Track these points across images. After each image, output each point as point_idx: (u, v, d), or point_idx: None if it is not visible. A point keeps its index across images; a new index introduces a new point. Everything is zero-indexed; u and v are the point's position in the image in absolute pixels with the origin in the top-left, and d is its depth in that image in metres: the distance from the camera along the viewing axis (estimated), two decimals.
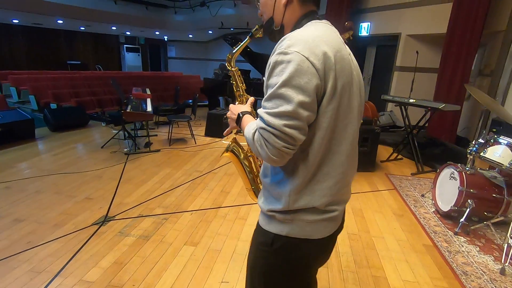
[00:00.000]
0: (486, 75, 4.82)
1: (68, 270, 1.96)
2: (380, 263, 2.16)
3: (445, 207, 2.78)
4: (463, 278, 2.01)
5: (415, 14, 5.60)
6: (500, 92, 4.36)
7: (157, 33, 12.75)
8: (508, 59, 4.29)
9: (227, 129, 1.05)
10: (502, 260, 2.17)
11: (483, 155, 2.54)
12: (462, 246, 2.39)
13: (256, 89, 6.37)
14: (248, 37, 1.10)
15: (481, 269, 2.12)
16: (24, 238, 2.27)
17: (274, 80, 0.74)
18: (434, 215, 2.89)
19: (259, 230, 0.95)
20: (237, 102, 1.16)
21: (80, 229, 2.42)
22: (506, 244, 2.22)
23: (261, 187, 1.18)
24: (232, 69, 1.16)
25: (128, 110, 4.32)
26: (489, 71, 4.73)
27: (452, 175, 2.78)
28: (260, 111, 0.77)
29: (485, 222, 2.54)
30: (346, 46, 0.86)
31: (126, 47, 13.86)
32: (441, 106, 3.57)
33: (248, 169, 1.16)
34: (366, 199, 3.18)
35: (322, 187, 0.83)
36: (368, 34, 6.50)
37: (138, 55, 14.26)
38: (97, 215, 2.64)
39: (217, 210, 2.83)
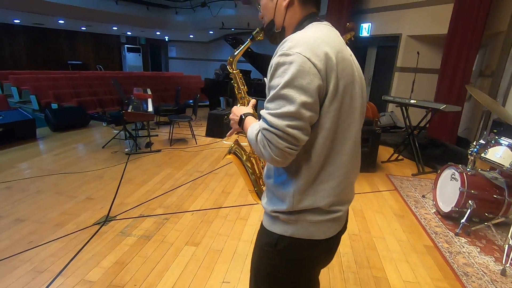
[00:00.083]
0: (487, 76, 4.82)
1: (69, 270, 1.96)
2: (381, 263, 2.17)
3: (446, 208, 2.78)
4: (464, 279, 2.01)
5: (416, 14, 5.60)
6: (501, 93, 4.36)
7: (158, 33, 12.77)
8: (509, 60, 4.29)
9: (229, 131, 1.05)
10: (503, 261, 2.17)
11: (484, 156, 2.54)
12: (463, 247, 2.39)
13: (257, 90, 6.38)
14: (249, 39, 1.10)
15: (482, 270, 2.12)
16: (25, 238, 2.27)
17: (277, 81, 0.74)
18: (435, 215, 2.89)
19: (263, 231, 0.94)
20: (239, 104, 1.16)
21: (81, 229, 2.42)
22: (507, 245, 2.22)
23: (263, 188, 1.19)
24: (234, 71, 1.17)
25: (129, 110, 4.33)
26: (490, 72, 4.73)
27: (453, 176, 2.78)
28: (262, 112, 0.77)
29: (486, 223, 2.54)
30: (347, 47, 0.87)
31: (127, 47, 13.87)
32: (442, 107, 3.57)
33: (250, 170, 1.16)
34: (366, 200, 3.19)
35: (326, 187, 0.84)
36: (368, 34, 6.50)
37: (139, 55, 14.28)
38: (98, 215, 2.65)
39: (218, 211, 2.83)
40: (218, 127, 5.48)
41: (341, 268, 2.09)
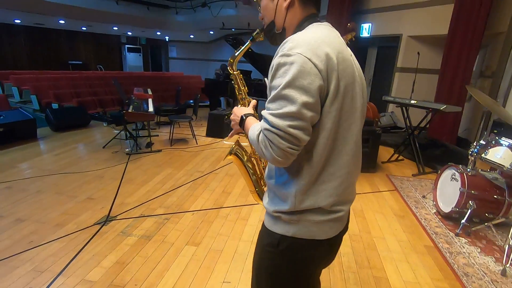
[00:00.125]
0: (487, 77, 4.83)
1: (70, 269, 1.96)
2: (381, 263, 2.17)
3: (446, 208, 2.78)
4: (464, 279, 2.01)
5: (416, 15, 5.60)
6: (501, 93, 4.36)
7: (158, 33, 12.78)
8: (509, 60, 4.29)
9: (231, 133, 1.06)
10: (503, 262, 2.17)
11: (485, 157, 2.54)
12: (463, 247, 2.39)
13: (257, 90, 6.39)
14: (249, 40, 1.10)
15: (482, 271, 2.12)
16: (26, 238, 2.28)
17: (278, 81, 0.75)
18: (435, 216, 2.89)
19: (264, 231, 0.94)
20: (239, 105, 1.16)
21: (82, 229, 2.43)
22: (507, 246, 2.22)
23: (264, 189, 1.19)
24: (234, 72, 1.17)
25: (129, 110, 4.33)
26: (490, 72, 4.73)
27: (453, 176, 2.78)
28: (264, 112, 0.78)
29: (486, 224, 2.54)
30: (347, 47, 0.87)
31: (127, 47, 13.89)
32: (442, 107, 3.57)
33: (251, 171, 1.17)
34: (367, 200, 3.19)
35: (327, 187, 0.84)
36: (369, 35, 6.50)
37: (139, 55, 14.29)
38: (98, 215, 2.65)
39: (219, 211, 2.83)
40: (218, 127, 5.49)
41: (341, 268, 2.09)
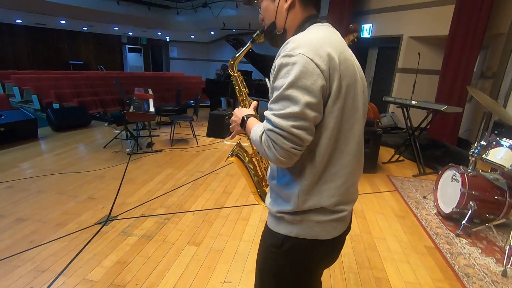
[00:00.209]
0: (488, 77, 4.83)
1: (71, 269, 1.97)
2: (382, 264, 2.17)
3: (447, 209, 2.78)
4: (465, 280, 2.01)
5: (417, 16, 5.60)
6: (502, 94, 4.36)
7: (159, 33, 12.79)
8: (510, 61, 4.29)
9: (232, 134, 1.06)
10: (504, 262, 2.17)
11: (485, 157, 2.54)
12: (464, 248, 2.39)
13: (258, 90, 6.39)
14: (249, 42, 1.10)
15: (483, 271, 2.12)
16: (27, 238, 2.28)
17: (280, 82, 0.75)
18: (436, 216, 2.89)
19: (268, 231, 0.94)
20: (240, 107, 1.16)
21: (82, 229, 2.43)
22: (508, 246, 2.21)
23: (266, 190, 1.19)
24: (235, 74, 1.17)
25: (130, 111, 4.34)
26: (491, 73, 4.73)
27: (454, 177, 2.78)
28: (266, 113, 0.78)
29: (487, 224, 2.54)
30: (348, 47, 0.88)
31: (128, 47, 13.90)
32: (443, 108, 3.57)
33: (253, 172, 1.17)
34: (367, 201, 3.19)
35: (330, 187, 0.84)
36: (370, 35, 6.51)
37: (140, 55, 14.30)
38: (99, 215, 2.65)
39: (219, 211, 2.83)
40: (219, 128, 5.49)
41: (342, 269, 2.09)
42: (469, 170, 2.67)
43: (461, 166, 2.74)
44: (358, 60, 0.90)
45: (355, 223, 2.70)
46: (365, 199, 3.22)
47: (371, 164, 3.98)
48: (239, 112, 0.99)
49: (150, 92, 5.47)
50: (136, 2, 9.83)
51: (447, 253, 2.31)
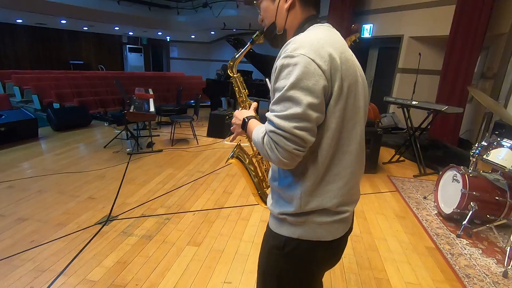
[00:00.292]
0: (488, 78, 4.82)
1: (71, 269, 1.97)
2: (383, 265, 2.17)
3: (448, 209, 2.77)
4: (466, 281, 2.01)
5: (417, 16, 5.60)
6: (503, 94, 4.35)
7: (159, 33, 12.78)
8: (510, 62, 4.29)
9: (232, 136, 1.05)
10: (505, 263, 2.17)
11: (486, 158, 2.54)
12: (465, 249, 2.39)
13: (258, 90, 6.39)
14: (249, 43, 1.09)
15: (484, 272, 2.12)
16: (28, 237, 2.28)
17: (282, 83, 0.74)
18: (437, 217, 2.89)
19: (270, 233, 0.94)
20: (240, 108, 1.16)
21: (83, 229, 2.43)
22: (509, 247, 2.21)
23: (267, 191, 1.19)
24: (234, 75, 1.16)
25: (130, 110, 4.34)
26: (491, 74, 4.73)
27: (454, 177, 2.77)
28: (268, 114, 0.77)
29: (487, 225, 2.53)
30: (348, 48, 0.87)
31: (128, 47, 13.88)
32: (443, 108, 3.56)
33: (253, 173, 1.16)
34: (368, 201, 3.18)
35: (332, 188, 0.84)
36: (370, 36, 6.50)
37: (141, 55, 14.29)
38: (100, 215, 2.65)
39: (220, 211, 2.83)
40: (219, 128, 5.49)
41: (342, 269, 2.09)
42: (469, 171, 2.67)
43: (461, 167, 2.74)
44: (358, 60, 0.90)
45: (355, 224, 2.70)
46: (365, 200, 3.21)
47: (371, 165, 3.98)
48: (240, 114, 0.99)
49: (151, 92, 5.47)
50: (136, 2, 9.83)
51: (448, 253, 2.31)
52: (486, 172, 2.80)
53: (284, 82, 0.74)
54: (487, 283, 2.00)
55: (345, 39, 0.97)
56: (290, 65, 0.73)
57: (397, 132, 5.99)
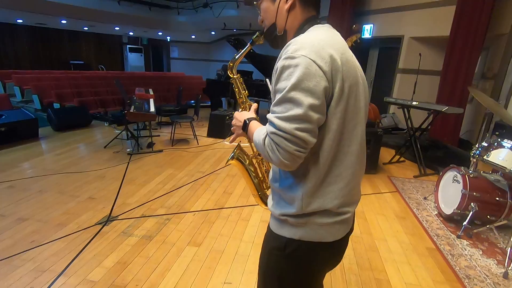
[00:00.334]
0: (489, 78, 4.82)
1: (71, 269, 1.97)
2: (383, 265, 2.16)
3: (448, 210, 2.77)
4: (466, 282, 2.01)
5: (418, 16, 5.60)
6: (503, 95, 4.35)
7: (160, 33, 12.78)
8: (511, 62, 4.28)
9: (232, 137, 1.05)
10: (505, 264, 2.17)
11: (487, 159, 2.54)
12: (465, 250, 2.38)
13: (258, 91, 6.39)
14: (248, 44, 1.09)
15: (484, 273, 2.11)
16: (28, 237, 2.28)
17: (283, 84, 0.74)
18: (437, 218, 2.89)
19: (270, 234, 0.94)
20: (240, 109, 1.15)
21: (83, 229, 2.43)
22: (509, 248, 2.21)
23: (267, 192, 1.19)
24: (234, 76, 1.16)
25: (131, 111, 4.34)
26: (492, 74, 4.73)
27: (455, 178, 2.77)
28: (269, 116, 0.77)
29: (488, 226, 2.53)
30: (349, 49, 0.87)
31: (129, 47, 13.89)
32: (444, 109, 3.56)
33: (253, 174, 1.16)
34: (368, 202, 3.18)
35: (334, 189, 0.84)
36: (370, 36, 6.50)
37: (141, 55, 14.29)
38: (100, 215, 2.65)
39: (220, 211, 2.83)
40: (219, 128, 5.49)
41: (343, 270, 2.09)
42: (470, 171, 2.67)
43: (462, 167, 2.73)
44: (358, 60, 0.90)
45: (356, 224, 2.69)
46: (365, 200, 3.21)
47: (372, 165, 3.98)
48: (240, 116, 0.98)
49: (151, 92, 5.47)
50: (137, 2, 9.84)
51: (448, 254, 2.31)
52: (486, 173, 2.80)
53: (285, 83, 0.74)
54: (488, 284, 2.00)
55: (345, 39, 0.97)
56: (291, 67, 0.73)
57: (398, 132, 5.99)
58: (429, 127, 4.34)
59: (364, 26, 6.56)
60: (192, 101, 8.20)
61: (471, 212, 2.53)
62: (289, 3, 0.87)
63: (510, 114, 3.24)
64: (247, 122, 0.94)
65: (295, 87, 0.72)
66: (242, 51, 1.12)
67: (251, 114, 0.99)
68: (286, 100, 0.73)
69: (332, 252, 0.92)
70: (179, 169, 3.85)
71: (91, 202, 2.89)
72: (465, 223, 2.54)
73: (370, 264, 2.17)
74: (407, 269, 2.13)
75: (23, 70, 9.44)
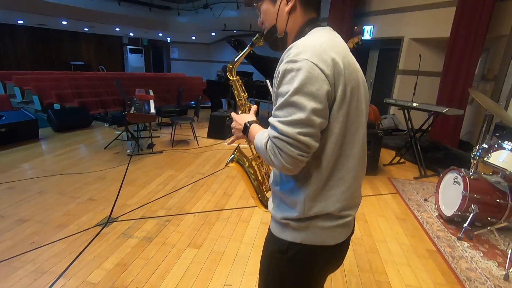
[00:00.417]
0: (489, 80, 4.82)
1: (71, 271, 1.96)
2: (383, 267, 2.16)
3: (448, 211, 2.77)
4: (467, 284, 2.01)
5: (418, 17, 5.60)
6: (503, 96, 4.35)
7: (160, 34, 12.80)
8: (511, 63, 4.28)
9: (231, 139, 1.05)
10: (506, 266, 2.16)
11: (487, 160, 2.54)
12: (466, 252, 2.38)
13: (258, 92, 6.39)
14: (248, 46, 1.09)
15: (485, 275, 2.11)
16: (28, 239, 2.28)
17: (285, 88, 0.74)
18: (437, 219, 2.88)
19: (272, 238, 0.93)
20: (239, 112, 1.15)
21: (83, 230, 2.43)
22: (510, 250, 2.21)
23: (267, 194, 1.18)
24: (234, 78, 1.15)
25: (131, 111, 4.34)
26: (492, 75, 4.73)
27: (455, 179, 2.77)
28: (271, 120, 0.77)
29: (488, 228, 2.53)
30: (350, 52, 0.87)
31: (129, 48, 13.91)
32: (444, 110, 3.56)
33: (253, 176, 1.16)
34: (368, 203, 3.18)
35: (336, 192, 0.84)
36: (371, 37, 6.50)
37: (141, 56, 14.31)
38: (100, 216, 2.65)
39: (220, 213, 2.83)
40: (220, 129, 5.48)
41: (343, 272, 2.09)
42: (470, 173, 2.67)
43: (462, 169, 2.73)
44: (359, 62, 0.90)
45: (356, 226, 2.66)
46: (366, 202, 3.21)
47: (372, 166, 3.97)
48: (240, 119, 0.98)
49: (151, 93, 5.48)
50: (137, 3, 9.85)
51: (449, 256, 2.31)
52: (487, 175, 2.80)
53: (288, 87, 0.73)
54: (488, 286, 2.00)
55: (347, 41, 0.97)
56: (293, 70, 0.73)
57: (398, 133, 5.99)
58: (429, 129, 4.34)
59: (364, 27, 6.57)
60: (192, 102, 8.20)
61: (472, 214, 2.52)
62: (290, 5, 0.86)
63: (510, 115, 3.24)
64: (248, 125, 0.93)
65: (297, 91, 0.72)
66: (242, 53, 1.11)
67: (251, 116, 0.98)
68: (288, 104, 0.73)
69: (333, 255, 0.92)
70: (179, 170, 3.85)
71: (91, 203, 2.88)
72: (465, 225, 2.54)
73: (370, 266, 2.17)
74: (408, 271, 2.13)
75: (24, 71, 9.45)
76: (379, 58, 7.08)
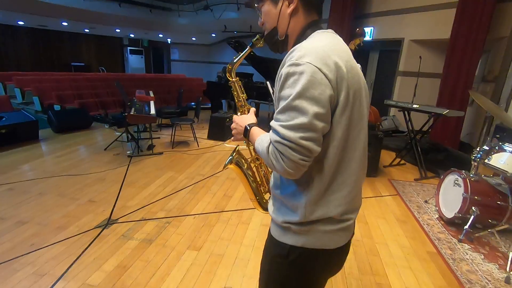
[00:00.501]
0: (489, 81, 4.82)
1: (71, 273, 1.95)
2: (384, 270, 2.15)
3: (449, 213, 2.76)
4: (468, 287, 2.00)
5: (418, 19, 5.61)
6: (504, 98, 4.34)
7: (160, 35, 12.83)
8: (511, 65, 4.28)
9: (232, 139, 1.04)
10: (507, 269, 2.15)
11: (488, 162, 2.53)
12: (466, 254, 2.37)
13: (259, 93, 6.39)
14: (248, 47, 1.08)
15: (486, 278, 2.10)
16: (27, 241, 2.27)
17: (287, 92, 0.73)
18: (438, 221, 2.88)
19: (272, 241, 0.93)
20: (239, 113, 1.14)
21: (83, 232, 2.42)
22: (511, 253, 2.20)
23: (265, 196, 1.18)
24: (233, 79, 1.15)
25: (131, 113, 4.33)
26: (492, 77, 4.72)
27: (456, 181, 2.76)
28: (273, 124, 0.76)
29: (489, 230, 2.52)
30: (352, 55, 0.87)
31: (129, 49, 13.92)
32: (444, 112, 3.55)
33: (251, 178, 1.15)
34: (369, 205, 3.17)
35: (337, 196, 0.83)
36: (371, 39, 6.50)
37: (142, 57, 14.32)
38: (100, 218, 2.64)
39: (220, 214, 2.82)
40: (220, 130, 5.48)
41: (343, 274, 2.08)
42: (471, 175, 2.66)
43: (463, 171, 2.73)
44: (359, 63, 0.90)
45: (356, 228, 2.66)
46: (366, 203, 3.20)
47: (372, 168, 3.97)
48: (241, 121, 0.97)
49: (151, 94, 5.48)
50: (137, 4, 9.87)
51: (450, 258, 2.30)
52: (487, 176, 2.79)
53: (290, 91, 0.73)
54: None
55: (348, 42, 0.96)
56: (296, 74, 0.72)
57: (398, 135, 5.98)
58: (429, 130, 4.33)
59: (364, 28, 6.56)
60: (193, 103, 8.19)
61: (473, 216, 2.52)
62: (292, 7, 0.85)
63: (511, 117, 3.24)
64: (248, 128, 0.93)
65: (300, 95, 0.71)
66: (241, 54, 1.11)
67: (251, 119, 0.98)
68: (290, 108, 0.72)
69: (334, 258, 0.92)
70: (179, 172, 3.84)
71: (91, 205, 2.88)
72: (466, 227, 2.53)
73: (371, 268, 2.16)
74: (408, 274, 2.12)
75: (24, 72, 9.46)
76: (379, 59, 7.09)
